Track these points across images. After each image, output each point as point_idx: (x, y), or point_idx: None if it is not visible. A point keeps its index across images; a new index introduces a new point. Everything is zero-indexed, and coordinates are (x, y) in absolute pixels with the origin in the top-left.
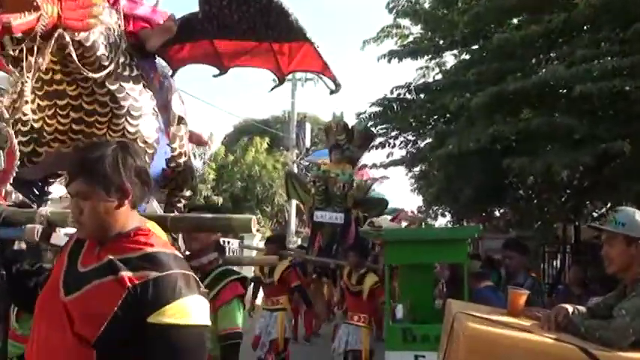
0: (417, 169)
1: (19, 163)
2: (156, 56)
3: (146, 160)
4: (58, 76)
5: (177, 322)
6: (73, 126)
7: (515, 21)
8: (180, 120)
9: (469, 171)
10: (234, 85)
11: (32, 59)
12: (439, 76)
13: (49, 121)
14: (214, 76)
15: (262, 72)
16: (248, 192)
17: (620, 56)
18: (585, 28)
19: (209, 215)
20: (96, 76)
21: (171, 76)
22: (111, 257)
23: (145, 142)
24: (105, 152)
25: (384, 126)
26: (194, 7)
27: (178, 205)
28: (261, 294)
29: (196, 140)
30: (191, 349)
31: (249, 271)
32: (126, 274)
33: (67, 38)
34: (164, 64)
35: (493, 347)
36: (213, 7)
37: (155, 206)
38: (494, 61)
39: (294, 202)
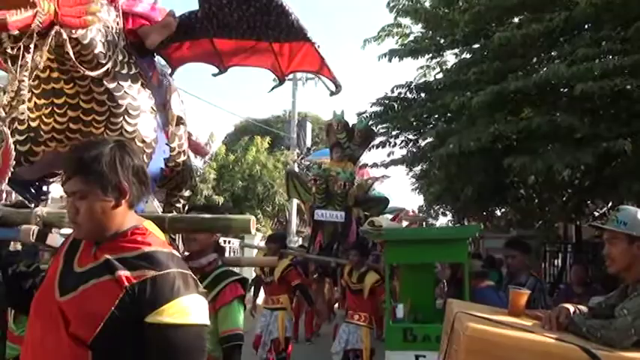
0: (417, 169)
1: (15, 162)
2: (155, 54)
3: (144, 159)
4: (55, 74)
5: (176, 322)
6: (71, 125)
7: (516, 20)
8: (180, 119)
9: (470, 170)
10: (235, 85)
11: (29, 57)
12: (440, 75)
13: (46, 119)
14: (213, 75)
15: (263, 72)
16: (249, 191)
17: (621, 55)
18: (586, 26)
19: (208, 216)
20: (93, 74)
21: (171, 74)
22: (108, 257)
23: (143, 142)
24: (102, 151)
25: (384, 125)
26: (194, 6)
27: (177, 205)
28: (262, 294)
29: (194, 149)
30: (190, 349)
31: (250, 272)
32: (123, 273)
33: (65, 35)
34: (163, 62)
35: (494, 347)
36: (213, 5)
37: (156, 206)
38: (495, 60)
39: (295, 201)
